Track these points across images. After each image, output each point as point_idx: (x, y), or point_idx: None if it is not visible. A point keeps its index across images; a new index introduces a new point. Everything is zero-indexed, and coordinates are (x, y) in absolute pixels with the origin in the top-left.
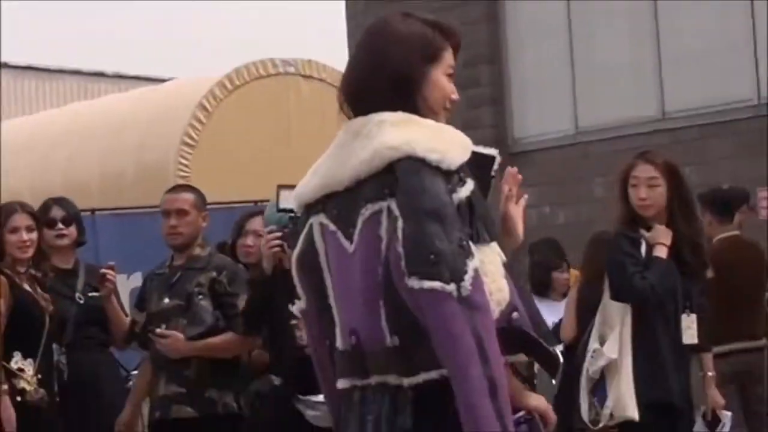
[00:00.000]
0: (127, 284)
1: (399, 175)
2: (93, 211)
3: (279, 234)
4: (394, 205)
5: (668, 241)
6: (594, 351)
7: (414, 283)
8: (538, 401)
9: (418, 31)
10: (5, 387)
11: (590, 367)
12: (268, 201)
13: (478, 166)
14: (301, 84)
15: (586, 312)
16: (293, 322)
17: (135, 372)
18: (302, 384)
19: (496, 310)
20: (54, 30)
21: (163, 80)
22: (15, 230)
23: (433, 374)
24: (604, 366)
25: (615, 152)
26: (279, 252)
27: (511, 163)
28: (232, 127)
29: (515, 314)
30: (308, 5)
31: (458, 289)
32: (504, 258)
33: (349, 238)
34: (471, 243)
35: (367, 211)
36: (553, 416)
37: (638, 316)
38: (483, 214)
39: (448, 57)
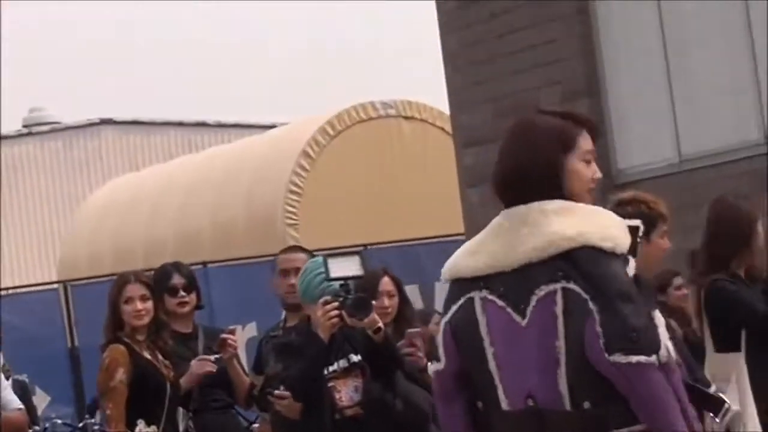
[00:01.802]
0: (242, 335)
1: (581, 263)
2: (205, 263)
3: (336, 304)
4: (573, 286)
5: None
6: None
7: (619, 358)
8: None
9: (555, 124)
10: None
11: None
12: (375, 244)
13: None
14: (402, 125)
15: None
16: (330, 384)
17: (256, 425)
18: None
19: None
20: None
21: (265, 127)
22: (130, 300)
23: (636, 428)
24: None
25: (721, 178)
26: (338, 322)
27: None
28: (336, 172)
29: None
30: (404, 43)
31: (658, 358)
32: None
33: (521, 313)
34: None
35: (541, 291)
36: None
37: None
38: (645, 284)
39: (583, 143)
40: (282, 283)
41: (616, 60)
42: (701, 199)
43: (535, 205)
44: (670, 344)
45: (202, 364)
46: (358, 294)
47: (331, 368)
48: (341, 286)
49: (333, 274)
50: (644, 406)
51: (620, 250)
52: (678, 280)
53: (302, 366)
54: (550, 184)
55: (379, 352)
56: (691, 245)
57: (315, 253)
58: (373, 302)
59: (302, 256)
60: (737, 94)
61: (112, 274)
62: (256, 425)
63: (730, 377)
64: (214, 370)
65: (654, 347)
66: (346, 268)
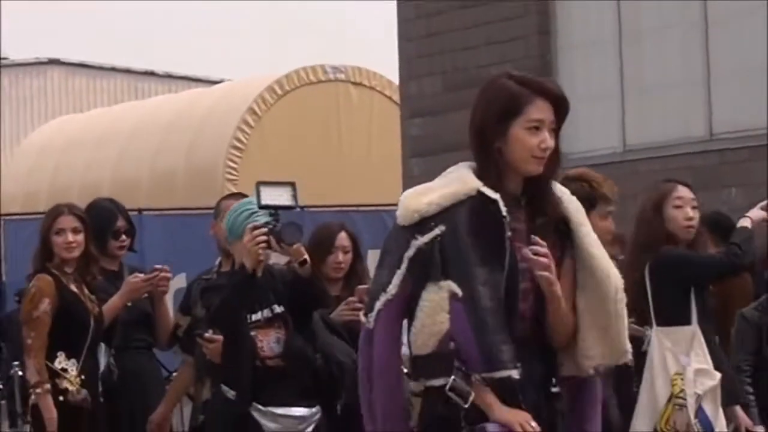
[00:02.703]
0: (171, 285)
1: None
2: (140, 210)
3: (265, 230)
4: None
5: (756, 215)
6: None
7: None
8: (508, 415)
9: (505, 90)
10: (48, 386)
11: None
12: (313, 207)
13: (485, 206)
14: (351, 91)
15: None
16: (253, 333)
17: (175, 373)
18: (262, 395)
19: (431, 340)
20: (106, 28)
21: (213, 81)
22: (61, 232)
23: None
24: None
25: (664, 171)
26: (265, 248)
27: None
28: (280, 132)
29: (452, 344)
30: (360, 8)
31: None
32: (459, 293)
33: None
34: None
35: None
36: (521, 425)
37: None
38: (449, 255)
39: (532, 111)
40: (222, 228)
41: (571, 44)
42: (642, 190)
43: (457, 166)
44: (438, 318)
45: (135, 281)
46: (290, 221)
47: (254, 317)
48: (271, 215)
49: (264, 202)
50: None
51: (400, 220)
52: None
53: (224, 294)
54: (481, 145)
55: (302, 287)
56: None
57: None
58: (329, 257)
59: None
60: (687, 88)
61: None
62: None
63: (685, 351)
64: (146, 288)
65: (367, 310)
66: (278, 196)
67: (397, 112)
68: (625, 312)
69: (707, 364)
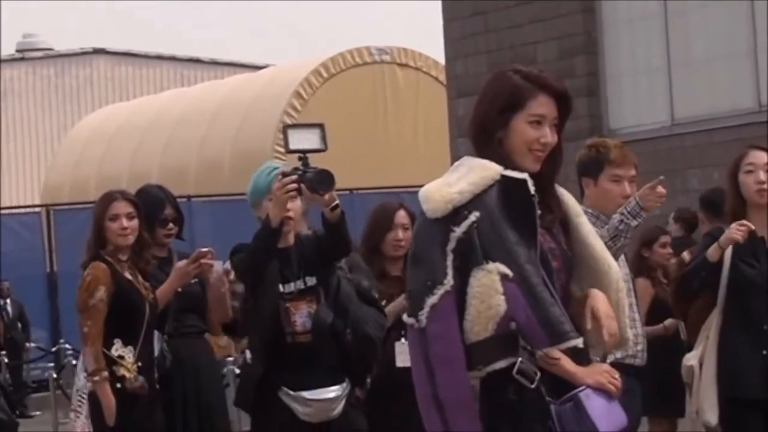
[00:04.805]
0: (221, 269)
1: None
2: (189, 197)
3: (295, 177)
4: None
5: (725, 246)
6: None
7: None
8: (595, 375)
9: (509, 84)
10: (105, 374)
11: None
12: (362, 189)
13: (513, 188)
14: (396, 72)
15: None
16: (287, 305)
17: (230, 358)
18: (291, 378)
19: (489, 324)
20: (149, 18)
21: (258, 67)
22: (115, 218)
23: None
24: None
25: (710, 144)
26: (295, 196)
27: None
28: (327, 115)
29: (513, 324)
30: None
31: (417, 321)
32: (510, 273)
33: None
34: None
35: None
36: (609, 382)
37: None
38: (487, 239)
39: (534, 105)
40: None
41: (615, 19)
42: (689, 164)
43: (464, 159)
44: (493, 302)
45: (184, 266)
46: (322, 168)
47: (286, 288)
48: (300, 159)
49: (292, 146)
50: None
51: (431, 214)
52: (664, 238)
53: (248, 249)
54: (483, 138)
55: (332, 233)
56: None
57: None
58: (388, 234)
59: None
60: (734, 60)
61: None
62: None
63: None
64: (194, 272)
65: (413, 310)
66: (307, 140)
67: (444, 92)
68: (626, 302)
69: None
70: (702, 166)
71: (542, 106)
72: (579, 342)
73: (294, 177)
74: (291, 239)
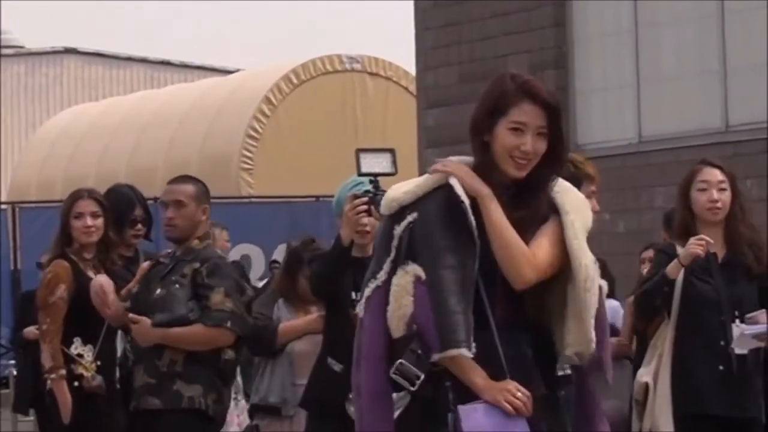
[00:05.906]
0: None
1: None
2: (156, 199)
3: (366, 199)
4: None
5: (686, 262)
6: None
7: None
8: (492, 392)
9: (500, 88)
10: (63, 372)
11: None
12: (329, 197)
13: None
14: (366, 81)
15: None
16: (355, 312)
17: None
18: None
19: (400, 323)
20: (121, 19)
21: (228, 71)
22: (80, 216)
23: None
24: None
25: (677, 162)
26: (365, 216)
27: None
28: (296, 121)
29: (414, 326)
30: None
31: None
32: (423, 276)
33: None
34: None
35: None
36: (506, 400)
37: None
38: (419, 241)
39: (515, 113)
40: (161, 215)
41: (587, 35)
42: (655, 182)
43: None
44: (403, 302)
45: (148, 267)
46: None
47: (359, 296)
48: (371, 182)
49: (364, 170)
50: None
51: (383, 210)
52: (647, 253)
53: (318, 265)
54: (475, 140)
55: None
56: (644, 225)
57: (269, 200)
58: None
59: (186, 187)
60: (703, 79)
61: (62, 201)
62: None
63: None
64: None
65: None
66: (378, 164)
67: (413, 102)
68: (592, 302)
69: None
70: (668, 184)
71: (524, 114)
72: (465, 353)
73: (364, 199)
74: (370, 250)
